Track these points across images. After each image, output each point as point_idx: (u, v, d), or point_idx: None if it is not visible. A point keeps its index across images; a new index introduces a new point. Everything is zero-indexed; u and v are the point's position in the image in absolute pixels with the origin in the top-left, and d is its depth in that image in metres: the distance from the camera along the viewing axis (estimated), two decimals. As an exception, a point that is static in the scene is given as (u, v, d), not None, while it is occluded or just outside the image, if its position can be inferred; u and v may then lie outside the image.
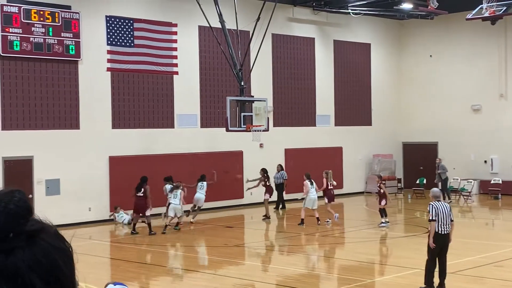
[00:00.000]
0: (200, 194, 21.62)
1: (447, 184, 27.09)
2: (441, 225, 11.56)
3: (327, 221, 21.10)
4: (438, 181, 26.58)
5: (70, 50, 21.35)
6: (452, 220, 11.74)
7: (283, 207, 25.31)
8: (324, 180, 21.30)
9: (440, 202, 11.79)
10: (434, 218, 11.55)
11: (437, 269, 11.78)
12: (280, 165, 25.48)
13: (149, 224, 19.54)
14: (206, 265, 15.08)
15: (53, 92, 21.26)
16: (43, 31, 20.73)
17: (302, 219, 20.72)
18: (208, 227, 21.24)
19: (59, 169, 21.23)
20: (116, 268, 15.42)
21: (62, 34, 21.16)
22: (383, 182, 21.16)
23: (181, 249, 17.22)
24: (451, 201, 24.61)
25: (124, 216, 21.75)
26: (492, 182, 28.70)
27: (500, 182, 28.31)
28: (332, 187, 21.54)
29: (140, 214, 19.69)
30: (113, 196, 22.46)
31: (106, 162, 22.45)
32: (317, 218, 20.72)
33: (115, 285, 3.49)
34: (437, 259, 11.72)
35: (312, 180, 20.95)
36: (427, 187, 24.31)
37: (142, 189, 19.66)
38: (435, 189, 12.54)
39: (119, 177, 22.55)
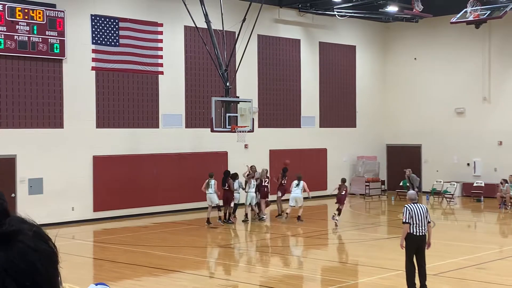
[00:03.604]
0: (297, 193, 21.97)
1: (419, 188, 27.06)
2: (416, 226, 11.63)
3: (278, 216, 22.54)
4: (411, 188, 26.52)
5: (55, 49, 21.23)
6: (429, 222, 11.81)
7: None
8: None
9: (416, 204, 11.84)
10: (407, 221, 11.63)
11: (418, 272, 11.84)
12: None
13: (229, 214, 21.37)
14: (189, 265, 15.05)
15: (37, 90, 21.13)
16: (28, 29, 20.60)
17: (281, 212, 22.45)
18: (192, 227, 21.22)
19: (43, 168, 21.11)
20: (99, 268, 15.36)
21: (47, 33, 21.04)
22: (345, 186, 21.73)
23: (165, 249, 17.18)
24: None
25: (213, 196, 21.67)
26: (474, 184, 28.90)
27: (483, 184, 28.52)
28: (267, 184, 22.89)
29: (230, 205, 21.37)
30: (96, 196, 22.36)
31: (90, 162, 22.34)
32: (298, 216, 21.81)
33: (96, 285, 3.47)
34: (415, 261, 11.79)
35: (300, 181, 21.98)
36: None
37: (227, 183, 21.32)
38: (411, 191, 12.62)
39: (103, 177, 22.47)
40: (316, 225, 21.94)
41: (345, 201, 21.76)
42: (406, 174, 26.97)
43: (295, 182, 22.14)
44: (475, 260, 15.07)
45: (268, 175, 23.24)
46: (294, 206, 21.81)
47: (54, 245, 1.35)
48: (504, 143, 29.26)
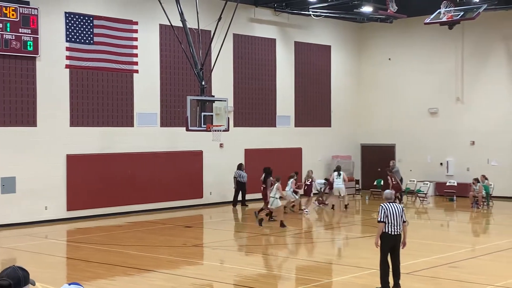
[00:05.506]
0: (339, 184, 24.74)
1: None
2: (391, 226, 11.70)
3: (306, 211, 24.00)
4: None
5: (28, 47, 21.01)
6: (404, 221, 11.88)
7: (244, 204, 25.69)
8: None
9: (391, 204, 11.90)
10: (382, 220, 11.70)
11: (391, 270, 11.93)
12: (241, 164, 26.06)
13: (271, 212, 21.66)
14: (164, 264, 15.00)
15: (10, 88, 20.90)
16: (0, 27, 20.36)
17: (332, 205, 24.95)
18: (167, 226, 21.15)
19: (15, 167, 20.88)
20: (72, 267, 15.24)
21: (20, 30, 20.82)
22: (393, 175, 25.69)
23: (139, 249, 17.11)
24: (401, 203, 24.93)
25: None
26: (447, 184, 29.22)
27: (455, 184, 28.84)
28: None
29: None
30: (70, 195, 22.19)
31: (64, 161, 22.16)
32: (345, 205, 24.71)
33: (70, 285, 3.45)
34: (389, 259, 11.88)
35: (341, 172, 25.04)
36: (384, 189, 24.59)
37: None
38: (387, 190, 12.68)
39: (77, 175, 22.30)
40: (291, 224, 21.99)
41: (401, 187, 25.14)
42: (390, 166, 27.24)
43: (335, 173, 24.99)
44: (447, 259, 15.22)
45: (312, 175, 24.87)
46: (339, 196, 24.71)
47: None
48: (477, 143, 29.61)
